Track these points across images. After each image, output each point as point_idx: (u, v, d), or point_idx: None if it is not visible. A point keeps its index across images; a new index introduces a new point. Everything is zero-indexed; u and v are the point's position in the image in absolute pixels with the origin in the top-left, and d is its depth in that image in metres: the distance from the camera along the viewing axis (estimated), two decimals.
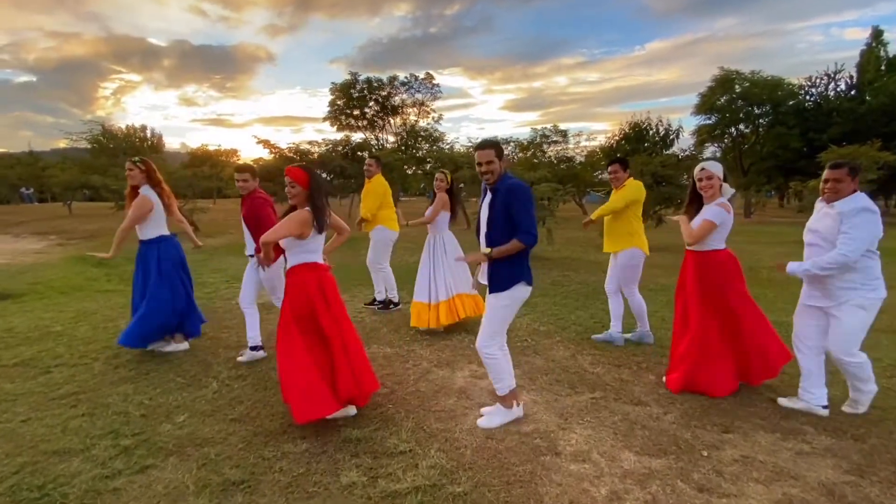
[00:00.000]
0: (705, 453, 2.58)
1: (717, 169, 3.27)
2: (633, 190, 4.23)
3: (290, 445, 2.73)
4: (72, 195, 26.26)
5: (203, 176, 19.84)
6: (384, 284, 5.61)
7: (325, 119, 36.30)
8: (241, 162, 4.71)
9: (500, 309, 2.77)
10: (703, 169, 3.29)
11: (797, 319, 3.13)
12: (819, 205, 2.99)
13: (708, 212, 3.23)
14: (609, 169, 4.41)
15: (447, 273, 4.69)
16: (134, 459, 2.60)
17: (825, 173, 2.89)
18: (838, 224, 2.76)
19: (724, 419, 2.94)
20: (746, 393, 3.30)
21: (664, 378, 3.50)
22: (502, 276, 2.72)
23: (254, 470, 2.50)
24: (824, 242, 2.85)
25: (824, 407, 2.99)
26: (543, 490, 2.29)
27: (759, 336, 3.27)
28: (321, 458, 2.61)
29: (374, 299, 5.73)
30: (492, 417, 2.92)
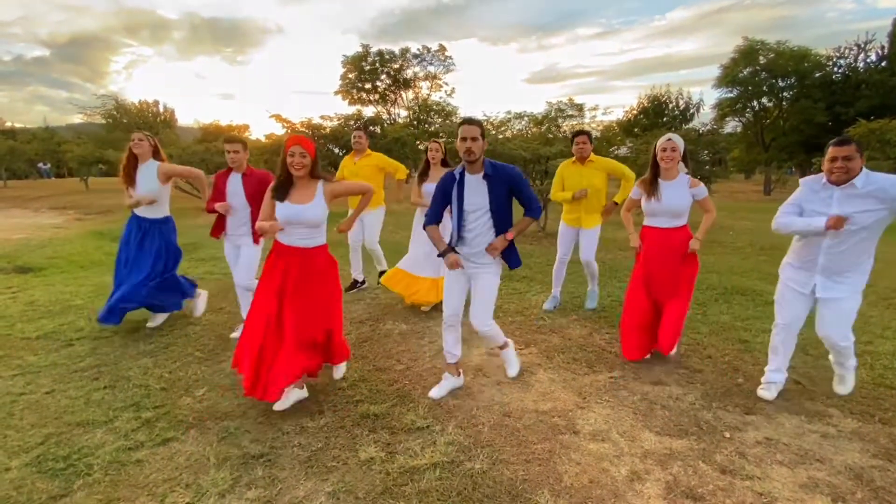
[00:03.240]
0: (727, 435, 2.54)
1: (681, 143, 3.28)
2: (613, 165, 4.49)
3: (308, 420, 2.75)
4: (88, 170, 26.45)
5: (216, 151, 19.82)
6: (376, 261, 5.45)
7: (336, 93, 35.97)
8: (231, 133, 4.38)
9: (497, 283, 2.97)
10: (669, 140, 3.26)
11: (790, 304, 2.90)
12: (819, 186, 2.67)
13: (698, 191, 3.27)
14: (579, 139, 4.37)
15: None
16: (156, 432, 2.64)
17: (832, 151, 2.58)
18: (878, 203, 2.50)
19: (746, 400, 2.89)
20: None
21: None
22: (515, 251, 2.95)
23: (273, 444, 2.52)
24: (852, 224, 2.55)
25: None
26: (562, 468, 2.28)
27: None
28: (339, 433, 2.62)
29: (357, 281, 5.43)
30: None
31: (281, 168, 2.82)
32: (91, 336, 4.12)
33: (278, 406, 2.74)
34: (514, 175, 2.82)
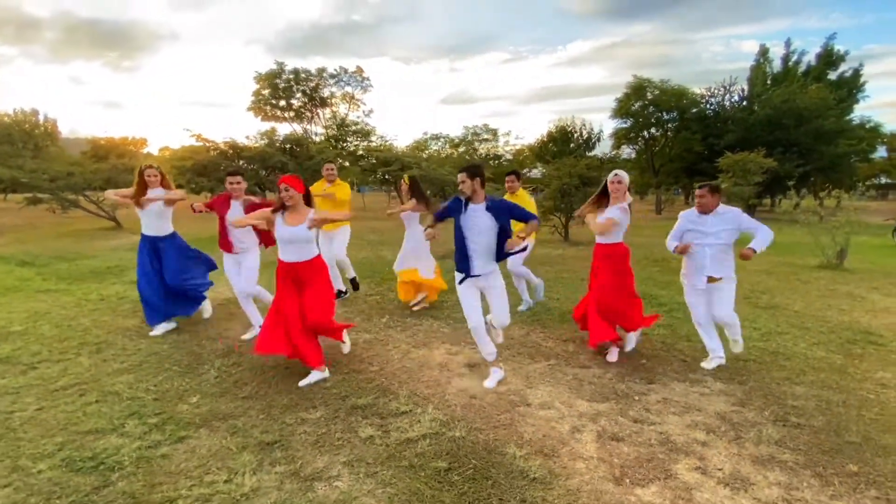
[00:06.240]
0: (637, 398, 3.39)
1: (626, 178, 4.12)
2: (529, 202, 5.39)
3: (306, 414, 3.19)
4: None
5: (123, 169, 18.60)
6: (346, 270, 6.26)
7: (249, 109, 34.97)
8: (234, 166, 5.23)
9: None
10: (616, 174, 4.10)
11: (696, 302, 3.98)
12: (695, 216, 3.88)
13: (611, 211, 4.05)
14: (508, 178, 5.49)
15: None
16: (167, 433, 2.95)
17: (698, 192, 3.88)
18: (735, 224, 3.76)
19: (648, 374, 3.80)
20: (665, 358, 4.20)
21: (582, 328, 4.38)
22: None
23: (281, 433, 2.95)
24: (720, 238, 3.77)
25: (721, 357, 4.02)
26: (522, 429, 2.97)
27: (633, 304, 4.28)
28: (336, 421, 3.11)
29: (342, 291, 6.17)
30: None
31: (278, 198, 3.71)
32: (52, 359, 4.17)
33: (302, 383, 3.60)
34: (504, 204, 3.58)
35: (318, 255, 3.85)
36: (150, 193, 4.67)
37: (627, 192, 4.13)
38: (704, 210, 3.84)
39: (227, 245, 4.59)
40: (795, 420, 3.12)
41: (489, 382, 3.61)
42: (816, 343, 4.65)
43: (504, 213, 3.48)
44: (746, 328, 5.01)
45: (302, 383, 3.61)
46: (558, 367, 3.95)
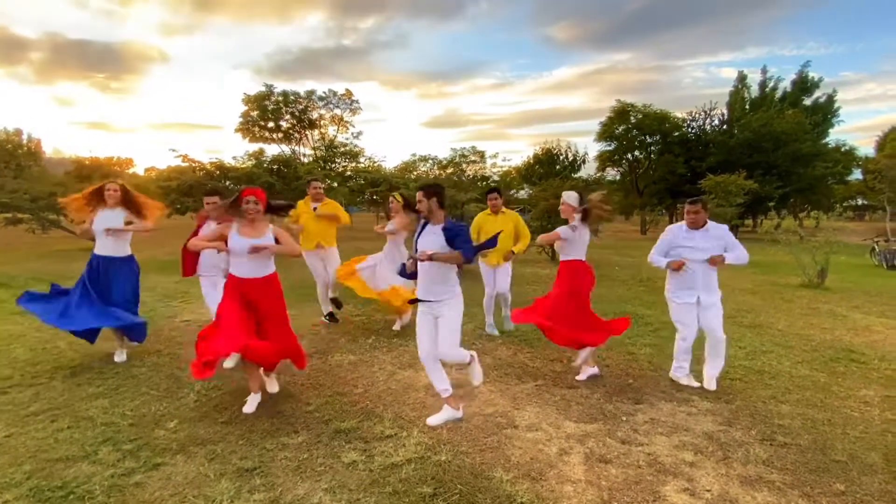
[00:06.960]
0: (624, 419, 3.36)
1: (568, 198, 4.15)
2: (519, 221, 5.44)
3: (287, 439, 3.11)
4: None
5: None
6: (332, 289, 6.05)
7: (237, 130, 34.92)
8: (210, 186, 5.09)
9: (458, 314, 3.36)
10: (559, 197, 4.23)
11: (688, 320, 3.93)
12: (683, 231, 3.92)
13: (559, 229, 4.16)
14: (491, 196, 5.41)
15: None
16: (142, 460, 2.84)
17: (688, 207, 3.92)
18: (723, 240, 3.82)
19: (635, 395, 3.77)
20: (652, 377, 4.18)
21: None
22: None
23: (261, 459, 2.86)
24: (708, 255, 3.80)
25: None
26: (509, 452, 2.92)
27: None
28: (318, 446, 3.02)
29: (333, 315, 6.03)
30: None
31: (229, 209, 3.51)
32: (24, 383, 4.02)
33: (246, 409, 3.48)
34: (456, 228, 3.23)
35: (274, 273, 3.61)
36: (105, 213, 4.49)
37: (575, 212, 4.10)
38: (695, 226, 3.86)
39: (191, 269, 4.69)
40: (782, 439, 3.11)
41: (433, 419, 3.30)
42: (800, 361, 4.68)
43: (461, 238, 3.16)
44: (732, 347, 5.03)
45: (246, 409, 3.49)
46: (545, 388, 3.91)
